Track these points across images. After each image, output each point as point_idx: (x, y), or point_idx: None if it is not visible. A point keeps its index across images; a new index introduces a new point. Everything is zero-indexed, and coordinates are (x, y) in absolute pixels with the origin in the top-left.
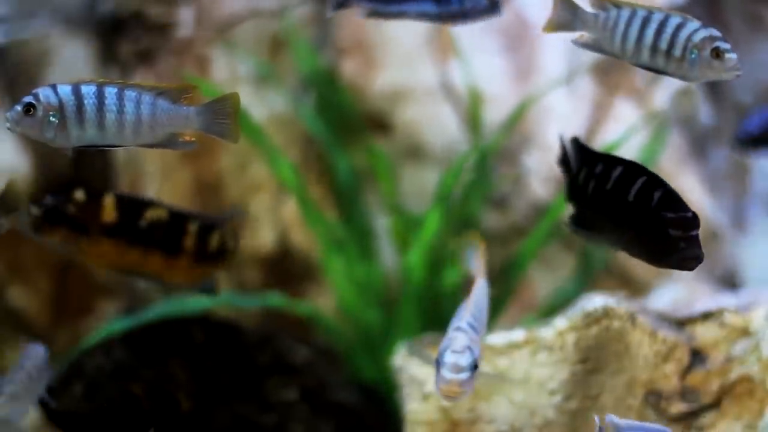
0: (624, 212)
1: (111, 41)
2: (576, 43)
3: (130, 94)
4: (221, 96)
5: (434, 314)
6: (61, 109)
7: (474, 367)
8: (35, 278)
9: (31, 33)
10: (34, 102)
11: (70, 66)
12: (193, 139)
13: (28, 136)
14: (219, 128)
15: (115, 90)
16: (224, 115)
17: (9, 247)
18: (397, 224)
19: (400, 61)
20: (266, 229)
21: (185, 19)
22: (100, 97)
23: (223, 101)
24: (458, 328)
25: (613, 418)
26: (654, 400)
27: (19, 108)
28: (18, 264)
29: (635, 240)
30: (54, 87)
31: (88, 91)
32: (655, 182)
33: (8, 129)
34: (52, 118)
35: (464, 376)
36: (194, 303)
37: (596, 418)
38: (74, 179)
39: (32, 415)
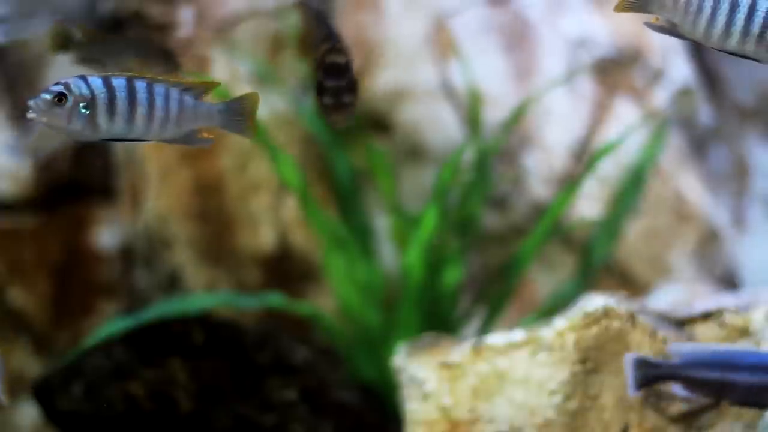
0: None
1: None
2: (649, 25)
3: (159, 89)
4: (242, 95)
5: (434, 314)
6: (92, 100)
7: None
8: (35, 278)
9: (31, 33)
10: (65, 91)
11: (69, 66)
12: (211, 136)
13: (50, 126)
14: (237, 126)
15: (145, 84)
16: (243, 113)
17: (9, 247)
18: (397, 224)
19: (400, 61)
20: (266, 229)
21: (185, 19)
22: (131, 90)
23: (244, 100)
24: None
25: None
26: (654, 400)
27: (47, 96)
28: (18, 264)
29: None
30: (84, 78)
31: (120, 84)
32: None
33: (31, 118)
34: (83, 110)
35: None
36: (194, 303)
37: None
38: (74, 179)
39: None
